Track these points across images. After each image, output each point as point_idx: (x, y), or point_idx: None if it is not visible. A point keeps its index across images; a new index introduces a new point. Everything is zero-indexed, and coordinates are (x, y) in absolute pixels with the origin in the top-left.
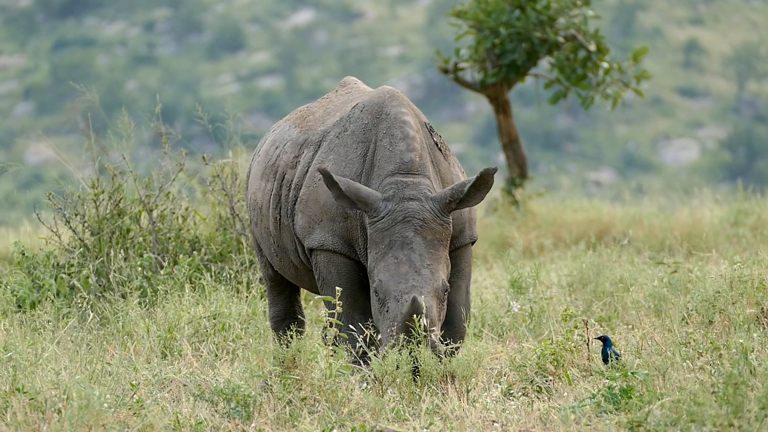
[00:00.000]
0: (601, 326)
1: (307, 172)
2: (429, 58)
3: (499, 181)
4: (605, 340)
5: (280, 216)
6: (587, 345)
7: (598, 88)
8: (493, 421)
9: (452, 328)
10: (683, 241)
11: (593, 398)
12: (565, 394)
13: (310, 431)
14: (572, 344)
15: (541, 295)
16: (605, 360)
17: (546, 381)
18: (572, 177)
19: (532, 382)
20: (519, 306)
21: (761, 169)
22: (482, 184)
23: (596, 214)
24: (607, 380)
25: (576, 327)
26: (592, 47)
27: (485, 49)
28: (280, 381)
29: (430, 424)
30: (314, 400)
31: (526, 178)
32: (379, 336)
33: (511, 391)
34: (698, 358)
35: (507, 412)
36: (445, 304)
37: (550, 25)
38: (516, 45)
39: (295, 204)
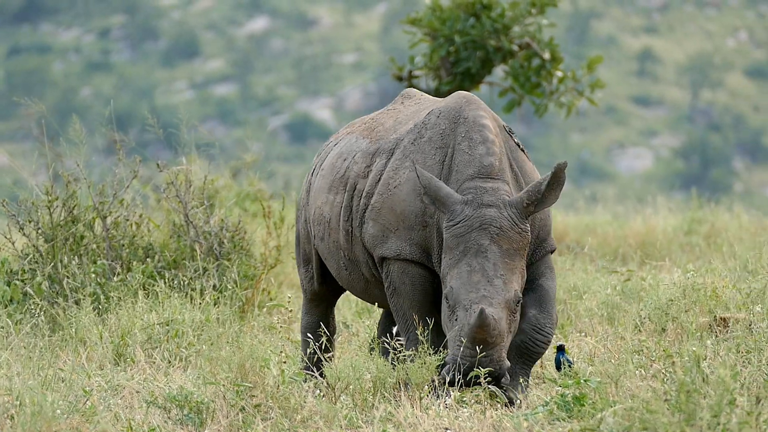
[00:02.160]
0: (556, 334)
1: (379, 180)
2: (384, 66)
3: None
4: (560, 348)
5: (352, 228)
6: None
7: (552, 97)
8: (446, 429)
9: (550, 318)
10: (637, 249)
11: (546, 405)
12: (519, 402)
13: None
14: None
15: None
16: (558, 368)
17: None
18: None
19: (485, 389)
20: None
21: (715, 177)
22: (556, 181)
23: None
24: (560, 388)
25: None
26: (547, 56)
27: (440, 57)
28: (233, 388)
29: (383, 431)
30: (267, 407)
31: None
32: (449, 344)
33: (464, 399)
34: (651, 365)
35: (460, 419)
36: (517, 315)
37: (505, 33)
38: (470, 53)
39: (364, 212)
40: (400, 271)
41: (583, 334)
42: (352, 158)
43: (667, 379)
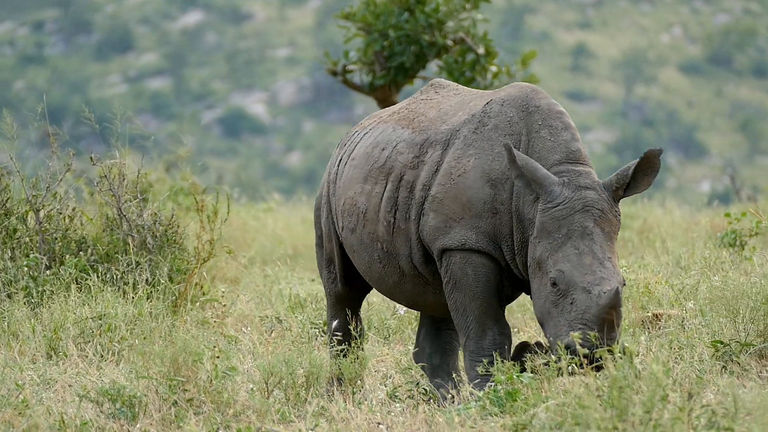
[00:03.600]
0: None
1: (436, 171)
2: (318, 60)
3: None
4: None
5: (395, 219)
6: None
7: None
8: (379, 423)
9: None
10: None
11: (478, 401)
12: (452, 397)
13: None
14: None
15: None
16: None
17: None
18: None
19: (417, 384)
20: (405, 309)
21: None
22: (648, 167)
23: None
24: (493, 383)
25: None
26: (481, 50)
27: (374, 52)
28: (166, 382)
29: (316, 425)
30: (200, 402)
31: None
32: (551, 330)
33: (397, 394)
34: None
35: (392, 414)
36: None
37: (439, 28)
38: (405, 47)
39: (422, 205)
40: (462, 261)
41: (516, 329)
42: (393, 148)
43: (600, 375)
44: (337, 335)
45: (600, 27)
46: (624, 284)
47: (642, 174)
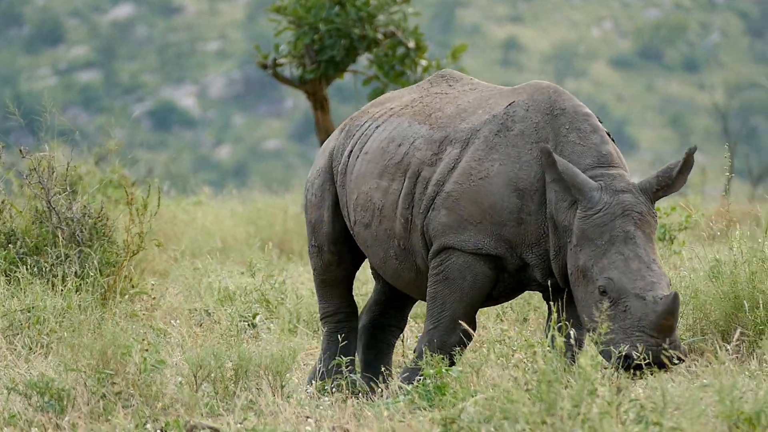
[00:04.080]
0: (416, 323)
1: (453, 169)
2: (248, 54)
3: None
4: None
5: (412, 216)
6: (402, 341)
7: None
8: (307, 417)
9: None
10: None
11: (407, 395)
12: (381, 390)
13: (124, 426)
14: None
15: (356, 291)
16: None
17: (360, 377)
18: None
19: (346, 378)
20: None
21: None
22: (688, 167)
23: None
24: (422, 376)
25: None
26: (411, 44)
27: (304, 45)
28: (95, 375)
29: (244, 419)
30: (128, 395)
31: None
32: (604, 337)
33: (326, 387)
34: (512, 355)
35: (321, 408)
36: None
37: (370, 21)
38: (335, 41)
39: (432, 200)
40: (465, 265)
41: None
42: (410, 144)
43: (529, 369)
44: (326, 317)
45: (531, 21)
46: (670, 284)
47: (682, 174)
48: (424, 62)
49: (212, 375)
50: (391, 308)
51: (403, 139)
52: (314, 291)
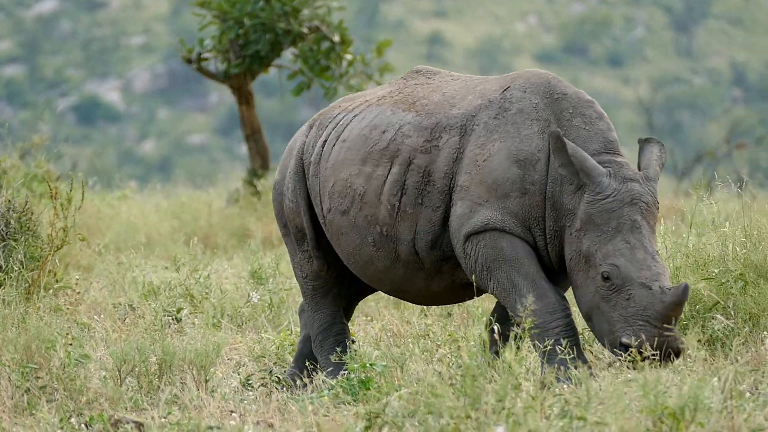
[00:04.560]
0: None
1: (459, 159)
2: (172, 48)
3: (240, 172)
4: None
5: (401, 204)
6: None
7: (341, 80)
8: (231, 411)
9: None
10: None
11: (332, 389)
12: (305, 384)
13: (48, 420)
14: None
15: (280, 286)
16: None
17: (285, 371)
18: None
19: (271, 372)
20: (259, 296)
21: None
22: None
23: None
24: (346, 371)
25: None
26: (336, 39)
27: (229, 40)
28: (19, 369)
29: (169, 413)
30: (52, 389)
31: (268, 169)
32: (602, 325)
33: (250, 382)
34: (437, 350)
35: (245, 402)
36: None
37: (295, 16)
38: (260, 36)
39: (448, 195)
40: (492, 239)
41: (370, 318)
42: (396, 131)
43: (453, 364)
44: (321, 333)
45: (455, 16)
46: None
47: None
48: (348, 57)
49: (136, 369)
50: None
51: (387, 126)
52: (238, 286)
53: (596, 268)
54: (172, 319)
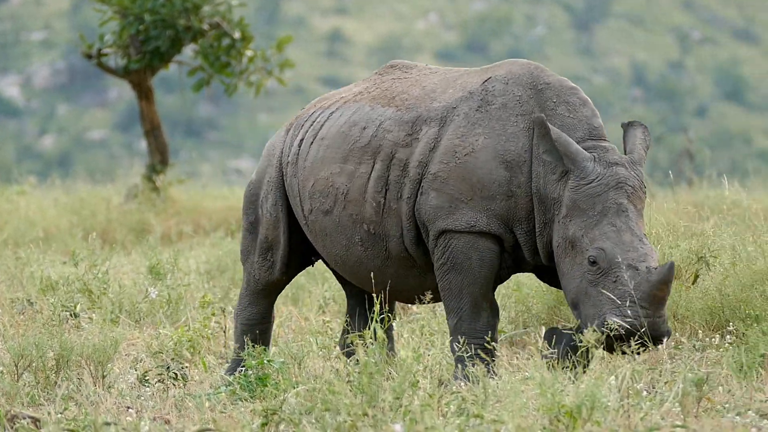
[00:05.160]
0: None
1: (435, 148)
2: (73, 43)
3: (140, 168)
4: None
5: (386, 200)
6: (224, 332)
7: (241, 76)
8: (128, 407)
9: None
10: None
11: (229, 386)
12: (202, 381)
13: None
14: (209, 331)
15: (179, 282)
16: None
17: (182, 368)
18: (213, 164)
19: (168, 368)
20: (157, 292)
21: None
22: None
23: (236, 202)
24: (244, 367)
25: (213, 314)
26: (237, 35)
27: (129, 36)
28: None
29: (65, 409)
30: None
31: (167, 165)
32: (590, 309)
33: (147, 378)
34: (334, 347)
35: (142, 398)
36: None
37: (195, 12)
38: (160, 32)
39: (419, 183)
40: (467, 245)
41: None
42: (377, 127)
43: (351, 361)
44: (249, 323)
45: (356, 13)
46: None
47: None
48: (249, 53)
49: (33, 364)
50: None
51: (367, 122)
52: (136, 281)
53: (583, 253)
54: (70, 314)
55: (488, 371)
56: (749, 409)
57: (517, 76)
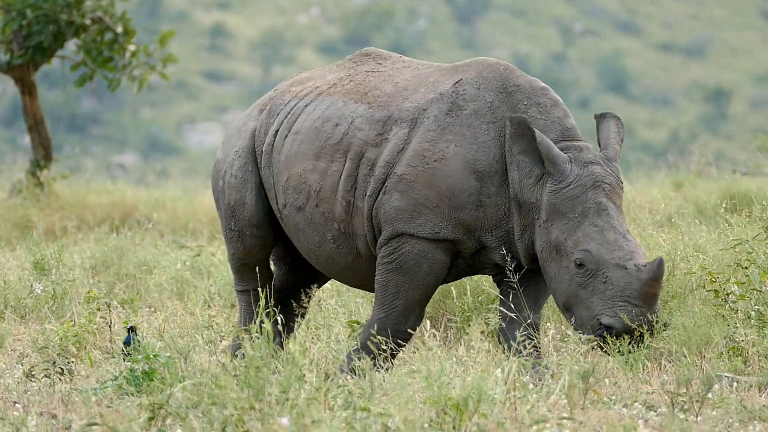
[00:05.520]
0: (124, 309)
1: (403, 150)
2: None
3: (23, 163)
4: (131, 330)
5: (354, 198)
6: (110, 327)
7: (125, 71)
8: (15, 402)
9: None
10: (207, 224)
11: (115, 380)
12: (88, 376)
13: None
14: (95, 326)
15: (63, 277)
16: (127, 343)
17: (68, 363)
18: (97, 160)
19: (54, 363)
20: (42, 287)
21: None
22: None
23: (120, 197)
24: (130, 362)
25: (99, 309)
26: (119, 30)
27: (12, 31)
28: None
29: None
30: None
31: (51, 160)
32: (582, 312)
33: (33, 373)
34: (220, 341)
35: (29, 393)
36: None
37: (77, 7)
38: (43, 27)
39: (382, 182)
40: (420, 253)
41: (153, 309)
42: (349, 124)
43: (237, 355)
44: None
45: (238, 7)
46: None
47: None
48: (132, 48)
49: None
50: (294, 296)
51: (339, 119)
52: (21, 277)
53: (568, 257)
54: None
55: (375, 365)
56: (636, 401)
57: (487, 81)
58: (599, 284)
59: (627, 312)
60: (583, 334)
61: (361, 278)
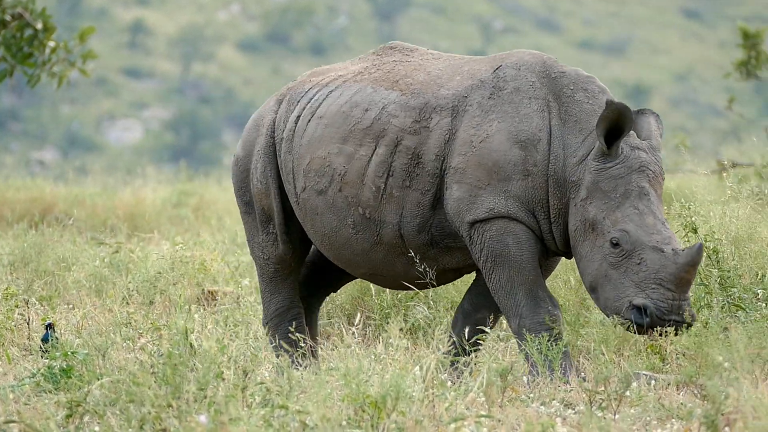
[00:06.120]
0: (42, 306)
1: (451, 140)
2: None
3: None
4: (49, 326)
5: (386, 186)
6: (28, 324)
7: (44, 67)
8: None
9: None
10: (125, 221)
11: (33, 377)
12: (5, 373)
13: None
14: (13, 323)
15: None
16: (45, 340)
17: None
18: (16, 156)
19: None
20: None
21: (204, 150)
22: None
23: (39, 194)
24: (48, 359)
25: (17, 306)
26: (39, 26)
27: None
28: None
29: None
30: None
31: None
32: (611, 292)
33: None
34: (139, 338)
35: None
36: None
37: None
38: None
39: (440, 177)
40: (499, 231)
41: (71, 306)
42: (380, 109)
43: (155, 352)
44: (279, 313)
45: (157, 4)
46: None
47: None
48: (52, 44)
49: None
50: (311, 303)
51: (369, 104)
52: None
53: (604, 236)
54: None
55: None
56: (554, 399)
57: (529, 64)
58: (633, 265)
59: (658, 295)
60: (607, 315)
61: (372, 266)
